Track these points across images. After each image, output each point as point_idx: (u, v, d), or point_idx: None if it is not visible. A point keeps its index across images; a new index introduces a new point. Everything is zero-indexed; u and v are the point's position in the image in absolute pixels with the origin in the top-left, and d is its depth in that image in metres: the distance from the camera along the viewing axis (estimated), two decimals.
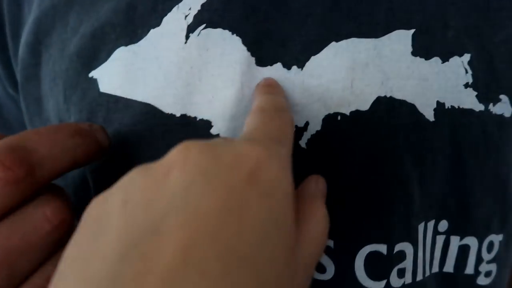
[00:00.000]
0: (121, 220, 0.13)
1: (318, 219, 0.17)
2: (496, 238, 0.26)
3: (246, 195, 0.14)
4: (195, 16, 0.23)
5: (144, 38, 0.23)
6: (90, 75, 0.24)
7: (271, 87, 0.22)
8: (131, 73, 0.23)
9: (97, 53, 0.24)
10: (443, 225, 0.25)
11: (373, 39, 0.22)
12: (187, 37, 0.23)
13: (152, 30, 0.23)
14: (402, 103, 0.23)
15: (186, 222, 0.13)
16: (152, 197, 0.14)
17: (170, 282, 0.11)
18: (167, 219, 0.13)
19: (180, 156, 0.15)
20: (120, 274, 0.12)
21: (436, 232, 0.25)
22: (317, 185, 0.20)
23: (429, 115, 0.23)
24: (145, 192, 0.14)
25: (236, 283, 0.12)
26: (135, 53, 0.23)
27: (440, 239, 0.25)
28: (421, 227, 0.24)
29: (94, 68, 0.24)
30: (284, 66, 0.23)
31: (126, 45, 0.23)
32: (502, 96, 0.24)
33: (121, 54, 0.23)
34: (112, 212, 0.14)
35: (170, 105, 0.23)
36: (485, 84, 0.24)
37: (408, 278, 0.24)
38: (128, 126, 0.23)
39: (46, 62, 0.26)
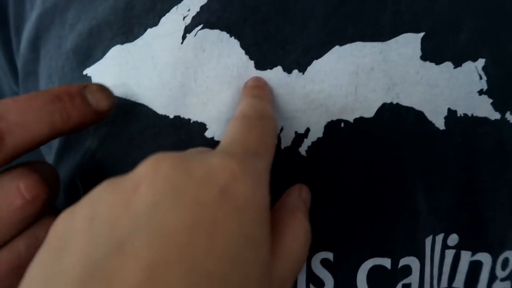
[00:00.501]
0: (86, 238, 0.13)
1: (297, 233, 0.17)
2: (511, 254, 0.24)
3: (217, 211, 0.13)
4: (193, 18, 0.22)
5: (140, 37, 0.23)
6: (85, 72, 0.24)
7: (257, 89, 0.21)
8: (125, 72, 0.23)
9: (92, 51, 0.23)
10: (453, 239, 0.23)
11: (379, 43, 0.21)
12: (183, 37, 0.22)
13: (149, 30, 0.22)
14: (410, 110, 0.21)
15: (152, 240, 0.12)
16: (118, 214, 0.13)
17: None
18: (133, 237, 0.12)
19: (150, 171, 0.14)
20: None
21: (445, 246, 0.23)
22: (299, 195, 0.19)
23: (439, 124, 0.22)
24: (112, 208, 0.14)
25: None
26: (130, 52, 0.23)
27: (450, 254, 0.24)
28: (428, 240, 0.22)
29: (89, 65, 0.24)
30: (284, 70, 0.22)
31: (122, 43, 0.23)
32: None
33: (116, 52, 0.23)
34: (77, 229, 0.14)
35: (163, 106, 0.22)
36: (501, 91, 0.22)
37: None
38: (120, 126, 0.23)
39: (44, 57, 0.26)
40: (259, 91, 0.21)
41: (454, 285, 0.24)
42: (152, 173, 0.14)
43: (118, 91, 0.23)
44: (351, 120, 0.21)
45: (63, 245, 0.13)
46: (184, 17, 0.22)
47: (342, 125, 0.21)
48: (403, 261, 0.22)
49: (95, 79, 0.24)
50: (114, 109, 0.21)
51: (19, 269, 0.18)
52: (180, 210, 0.13)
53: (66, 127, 0.19)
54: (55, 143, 0.26)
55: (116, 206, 0.14)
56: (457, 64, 0.22)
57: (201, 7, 0.22)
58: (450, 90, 0.22)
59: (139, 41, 0.23)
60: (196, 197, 0.13)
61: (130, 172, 0.15)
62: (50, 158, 0.28)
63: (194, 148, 0.19)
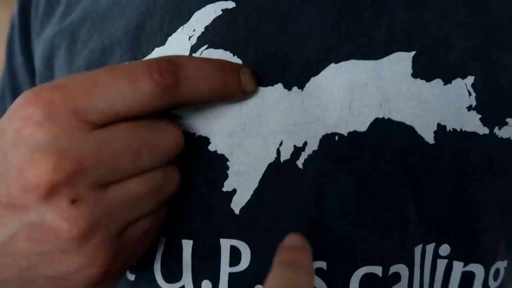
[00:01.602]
0: None
1: None
2: (502, 265, 0.25)
3: None
4: (199, 38, 0.24)
5: (148, 56, 0.24)
6: None
7: (295, 253, 0.19)
8: None
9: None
10: (445, 249, 0.24)
11: (372, 61, 0.23)
12: None
13: (156, 49, 0.24)
14: (400, 125, 0.22)
15: None
16: None
17: None
18: None
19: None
20: None
21: (437, 256, 0.24)
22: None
23: (429, 138, 0.23)
24: None
25: None
26: None
27: (442, 263, 0.24)
28: (417, 249, 0.23)
29: None
30: (285, 86, 0.23)
31: (130, 61, 0.24)
32: (509, 120, 0.23)
33: None
34: None
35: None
36: (490, 107, 0.23)
37: None
38: None
39: (57, 74, 0.28)
40: (298, 256, 0.19)
41: None
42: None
43: None
44: (345, 133, 0.23)
45: None
46: (189, 37, 0.24)
47: (336, 138, 0.23)
48: (393, 269, 0.23)
49: None
50: (255, 93, 0.23)
51: (153, 194, 0.21)
52: None
53: (221, 95, 0.22)
54: None
55: None
56: (447, 81, 0.23)
57: (206, 27, 0.24)
58: (440, 106, 0.23)
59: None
60: None
61: None
62: None
63: None
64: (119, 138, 0.19)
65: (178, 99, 0.20)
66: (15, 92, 0.38)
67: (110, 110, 0.19)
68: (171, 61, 0.20)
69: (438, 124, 0.23)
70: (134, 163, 0.20)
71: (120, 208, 0.20)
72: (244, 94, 0.22)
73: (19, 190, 0.18)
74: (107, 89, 0.19)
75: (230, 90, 0.22)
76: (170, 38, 0.24)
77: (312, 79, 0.23)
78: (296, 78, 0.23)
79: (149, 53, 0.24)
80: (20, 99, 0.19)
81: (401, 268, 0.23)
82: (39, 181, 0.17)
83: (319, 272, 0.23)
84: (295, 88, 0.23)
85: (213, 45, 0.23)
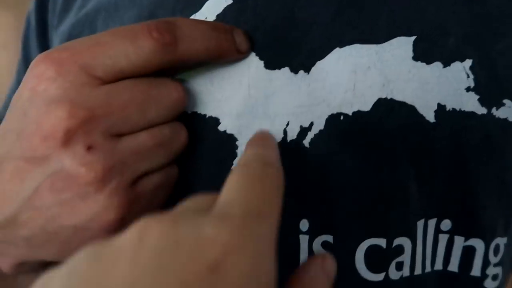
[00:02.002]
0: None
1: None
2: (502, 241, 0.26)
3: None
4: None
5: None
6: None
7: (261, 139, 0.21)
8: None
9: None
10: (446, 224, 0.25)
11: (375, 45, 0.24)
12: None
13: None
14: (402, 104, 0.24)
15: None
16: None
17: None
18: None
19: (135, 239, 0.13)
20: None
21: (438, 231, 0.25)
22: (322, 268, 0.18)
23: (430, 117, 0.24)
24: (88, 283, 0.13)
25: None
26: None
27: (444, 238, 0.26)
28: (420, 223, 0.25)
29: None
30: (291, 70, 0.24)
31: None
32: (506, 101, 0.25)
33: None
34: None
35: None
36: (487, 89, 0.24)
37: (406, 272, 0.25)
38: None
39: None
40: (263, 141, 0.21)
41: (449, 268, 0.26)
42: (137, 243, 0.13)
43: None
44: (350, 113, 0.24)
45: None
46: None
47: (342, 117, 0.24)
48: (396, 241, 0.24)
49: None
50: (249, 54, 0.25)
51: (162, 148, 0.22)
52: None
53: (216, 54, 0.23)
54: None
55: (93, 280, 0.13)
56: (446, 64, 0.24)
57: (217, 16, 0.25)
58: (440, 87, 0.24)
59: None
60: (182, 276, 0.12)
61: (116, 237, 0.14)
62: None
63: (194, 200, 0.18)
64: (125, 91, 0.21)
65: (177, 56, 0.22)
66: None
67: (115, 66, 0.21)
68: (168, 21, 0.22)
69: (438, 104, 0.24)
70: (141, 113, 0.21)
71: (132, 157, 0.21)
72: (239, 54, 0.24)
73: (39, 141, 0.19)
74: (111, 47, 0.21)
75: (225, 49, 0.23)
76: None
77: (318, 63, 0.24)
78: (302, 63, 0.24)
79: None
80: (32, 63, 0.20)
81: (404, 241, 0.24)
82: (56, 128, 0.19)
83: (326, 245, 0.24)
84: (301, 72, 0.24)
85: None
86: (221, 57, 0.24)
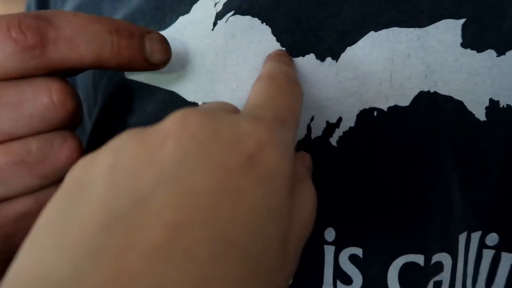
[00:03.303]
0: (107, 186, 0.13)
1: (307, 200, 0.16)
2: None
3: (243, 179, 0.13)
4: (225, 4, 0.22)
5: (172, 26, 0.23)
6: None
7: (283, 56, 0.20)
8: None
9: None
10: (493, 238, 0.22)
11: (417, 29, 0.20)
12: (214, 24, 0.22)
13: (180, 17, 0.22)
14: (448, 99, 0.20)
15: (176, 199, 0.12)
16: (142, 167, 0.13)
17: (153, 262, 0.10)
18: (157, 192, 0.12)
19: (177, 126, 0.14)
20: (99, 247, 0.11)
21: (483, 245, 0.22)
22: (303, 163, 0.19)
23: (480, 114, 0.20)
24: (136, 160, 0.13)
25: (225, 271, 0.11)
26: None
27: (489, 254, 0.22)
28: (462, 237, 0.21)
29: None
30: (317, 57, 0.21)
31: None
32: None
33: None
34: (97, 176, 0.13)
35: (192, 93, 0.22)
36: None
37: None
38: (151, 114, 0.23)
39: None
40: (285, 58, 0.20)
41: None
42: (179, 129, 0.13)
43: (149, 79, 0.23)
44: (385, 108, 0.21)
45: (81, 191, 0.13)
46: (215, 4, 0.22)
47: (375, 113, 0.21)
48: (435, 258, 0.21)
49: None
50: (166, 65, 0.20)
51: (25, 167, 0.18)
52: (206, 172, 0.12)
53: (111, 62, 0.19)
54: (89, 126, 0.26)
55: (140, 157, 0.13)
56: (500, 53, 0.20)
57: None
58: (492, 79, 0.20)
59: (170, 29, 0.23)
60: (223, 162, 0.13)
61: (155, 125, 0.14)
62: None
63: (220, 103, 0.18)
64: None
65: (47, 63, 0.17)
66: None
67: None
68: (40, 17, 0.17)
69: (490, 100, 0.20)
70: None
71: None
72: (150, 65, 0.20)
73: None
74: None
75: (126, 58, 0.19)
76: (194, 6, 0.22)
77: (348, 49, 0.21)
78: (330, 48, 0.21)
79: (173, 22, 0.23)
80: None
81: (444, 257, 0.21)
82: None
83: (354, 259, 0.21)
84: (328, 59, 0.21)
85: (240, 11, 0.22)
86: (122, 67, 0.19)
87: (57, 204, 0.13)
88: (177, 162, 0.13)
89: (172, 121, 0.14)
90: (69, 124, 0.19)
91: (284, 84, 0.18)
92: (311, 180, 0.18)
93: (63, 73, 0.19)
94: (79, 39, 0.18)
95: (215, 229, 0.12)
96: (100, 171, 0.13)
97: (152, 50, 0.19)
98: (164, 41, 0.20)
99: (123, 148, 0.14)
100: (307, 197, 0.16)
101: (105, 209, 0.12)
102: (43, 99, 0.18)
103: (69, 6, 0.29)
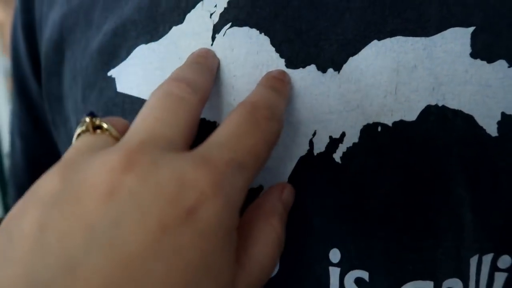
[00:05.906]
0: (34, 249, 0.12)
1: (267, 240, 0.16)
2: None
3: (180, 236, 0.13)
4: (221, 15, 0.21)
5: (165, 36, 0.21)
6: (109, 73, 0.23)
7: (279, 81, 0.19)
8: (148, 73, 0.22)
9: (117, 51, 0.23)
10: (505, 261, 0.21)
11: (423, 38, 0.19)
12: (213, 38, 0.21)
13: (174, 28, 0.21)
14: (457, 113, 0.19)
15: (107, 266, 0.11)
16: (74, 228, 0.12)
17: None
18: (87, 258, 0.11)
19: (116, 181, 0.13)
20: None
21: (494, 268, 0.21)
22: (280, 197, 0.18)
23: (491, 130, 0.19)
24: (67, 220, 0.12)
25: None
26: (154, 52, 0.22)
27: (501, 277, 0.21)
28: (473, 260, 0.20)
29: (113, 66, 0.23)
30: (318, 68, 0.20)
31: (147, 43, 0.22)
32: None
33: (140, 52, 0.22)
34: (26, 233, 0.13)
35: None
36: None
37: None
38: None
39: (68, 60, 0.26)
40: (280, 85, 0.19)
41: None
42: (118, 184, 0.13)
43: (141, 93, 0.22)
44: (390, 123, 0.19)
45: (8, 249, 0.13)
46: (211, 14, 0.21)
47: (379, 129, 0.19)
48: (446, 284, 0.20)
49: (119, 81, 0.23)
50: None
51: None
52: (142, 233, 0.12)
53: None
54: None
55: (71, 217, 0.12)
56: None
57: (229, 3, 0.21)
58: (505, 91, 0.19)
59: (163, 40, 0.22)
60: (160, 219, 0.12)
61: (94, 161, 0.14)
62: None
63: (175, 131, 0.17)
64: None
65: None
66: (21, 85, 0.35)
67: None
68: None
69: (503, 114, 0.19)
70: None
71: None
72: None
73: None
74: None
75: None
76: (188, 15, 0.21)
77: (350, 59, 0.20)
78: (332, 59, 0.20)
79: (166, 33, 0.22)
80: None
81: (455, 283, 0.20)
82: None
83: (360, 282, 0.20)
84: (330, 70, 0.20)
85: (237, 23, 0.20)
86: None
87: None
88: (112, 223, 0.12)
89: (111, 173, 0.13)
90: None
91: (262, 120, 0.17)
92: (284, 217, 0.17)
93: None
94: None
95: None
96: (29, 228, 0.13)
97: None
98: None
99: (55, 201, 0.13)
100: (268, 240, 0.16)
101: (30, 276, 0.11)
102: None
103: (56, 13, 0.28)
